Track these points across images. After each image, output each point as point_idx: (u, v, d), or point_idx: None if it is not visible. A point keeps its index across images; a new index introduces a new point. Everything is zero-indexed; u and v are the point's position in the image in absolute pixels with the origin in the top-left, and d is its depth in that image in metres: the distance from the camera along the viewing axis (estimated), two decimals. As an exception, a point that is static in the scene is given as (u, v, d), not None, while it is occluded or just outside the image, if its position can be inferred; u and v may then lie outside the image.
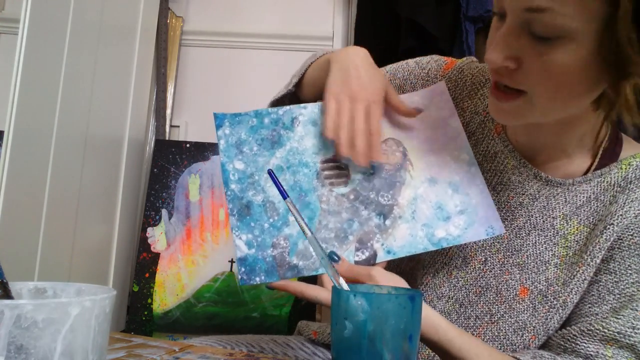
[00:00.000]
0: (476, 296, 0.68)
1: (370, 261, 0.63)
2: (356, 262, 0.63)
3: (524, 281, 0.66)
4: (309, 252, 0.63)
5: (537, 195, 0.68)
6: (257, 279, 0.61)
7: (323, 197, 0.66)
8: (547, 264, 0.66)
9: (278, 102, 0.80)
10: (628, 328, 0.59)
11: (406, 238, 0.64)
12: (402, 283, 0.59)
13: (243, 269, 0.61)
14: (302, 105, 0.70)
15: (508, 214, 0.69)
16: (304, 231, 0.54)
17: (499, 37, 0.56)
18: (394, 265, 0.77)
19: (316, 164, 0.67)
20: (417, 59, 0.82)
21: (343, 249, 0.64)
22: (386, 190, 0.67)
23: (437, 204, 0.66)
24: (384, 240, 0.64)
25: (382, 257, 0.64)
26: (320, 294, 0.57)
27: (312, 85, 0.77)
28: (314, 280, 0.63)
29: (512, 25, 0.55)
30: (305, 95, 0.80)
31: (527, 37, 0.54)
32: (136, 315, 1.57)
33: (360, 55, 0.70)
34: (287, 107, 0.70)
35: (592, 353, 0.60)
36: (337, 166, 0.68)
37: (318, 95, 0.74)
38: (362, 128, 0.64)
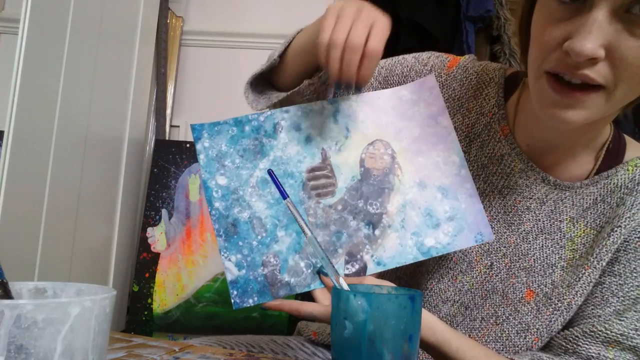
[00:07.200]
0: (482, 299, 0.68)
1: (360, 274, 0.62)
2: (346, 276, 0.62)
3: (530, 284, 0.65)
4: (300, 268, 0.61)
5: (545, 199, 0.67)
6: (250, 300, 0.60)
7: (310, 211, 0.64)
8: (554, 267, 0.65)
9: (259, 78, 0.73)
10: (631, 330, 0.59)
11: (396, 248, 0.63)
12: None
13: (235, 292, 0.60)
14: (284, 109, 0.67)
15: (515, 218, 0.68)
16: (303, 231, 0.54)
17: (592, 23, 0.49)
18: (392, 269, 0.76)
19: (302, 174, 0.65)
20: (415, 54, 0.79)
21: (332, 262, 0.62)
22: (374, 197, 0.65)
23: (427, 210, 0.65)
24: (373, 252, 0.63)
25: (372, 270, 0.62)
26: (317, 309, 0.57)
27: (301, 54, 0.70)
28: (308, 296, 0.62)
29: (609, 9, 0.49)
30: (289, 69, 0.74)
31: (622, 22, 0.49)
32: (136, 315, 1.57)
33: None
34: (268, 112, 0.68)
35: (593, 355, 0.59)
36: (324, 175, 0.66)
37: (304, 69, 0.70)
38: (357, 44, 0.57)
